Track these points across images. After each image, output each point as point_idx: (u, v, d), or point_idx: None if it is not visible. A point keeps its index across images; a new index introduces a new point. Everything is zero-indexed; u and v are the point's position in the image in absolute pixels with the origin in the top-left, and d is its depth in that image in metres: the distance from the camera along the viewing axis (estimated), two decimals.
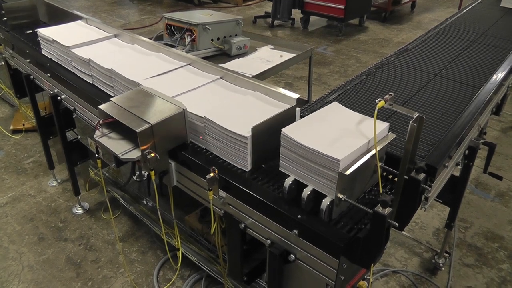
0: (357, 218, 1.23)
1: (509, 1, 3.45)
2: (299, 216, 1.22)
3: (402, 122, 1.62)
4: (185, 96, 1.72)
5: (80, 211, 2.85)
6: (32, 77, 2.56)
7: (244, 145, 1.39)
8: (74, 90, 2.11)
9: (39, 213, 2.85)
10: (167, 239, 2.14)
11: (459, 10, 3.74)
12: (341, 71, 5.20)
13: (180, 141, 1.58)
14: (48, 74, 2.31)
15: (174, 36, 2.61)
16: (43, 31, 2.35)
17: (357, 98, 1.84)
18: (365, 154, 1.22)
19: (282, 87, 1.64)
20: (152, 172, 1.50)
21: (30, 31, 2.73)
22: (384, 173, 1.39)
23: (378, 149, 1.21)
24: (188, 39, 2.50)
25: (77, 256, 2.52)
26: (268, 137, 1.42)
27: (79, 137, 2.30)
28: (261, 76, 2.34)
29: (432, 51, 2.43)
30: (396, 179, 1.29)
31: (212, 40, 2.58)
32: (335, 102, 1.48)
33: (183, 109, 1.52)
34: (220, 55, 2.65)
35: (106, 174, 2.79)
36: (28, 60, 2.56)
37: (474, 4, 3.59)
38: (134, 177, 2.72)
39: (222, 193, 1.45)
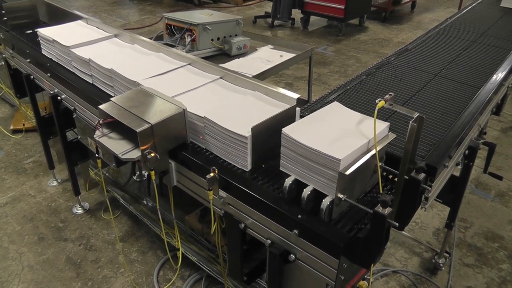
0: (357, 218, 1.23)
1: (509, 1, 3.45)
2: (299, 216, 1.22)
3: (402, 122, 1.62)
4: (185, 96, 1.72)
5: (80, 211, 2.85)
6: (32, 77, 2.56)
7: (244, 145, 1.39)
8: (74, 90, 2.11)
9: (39, 213, 2.85)
10: (167, 239, 2.14)
11: (459, 10, 3.74)
12: (341, 71, 5.20)
13: (180, 141, 1.58)
14: (48, 74, 2.31)
15: (174, 36, 2.61)
16: (43, 31, 2.35)
17: (357, 98, 1.84)
18: (365, 154, 1.22)
19: (282, 87, 1.64)
20: (152, 172, 1.50)
21: (30, 31, 2.73)
22: (384, 173, 1.39)
23: (378, 149, 1.21)
24: (188, 39, 2.50)
25: (77, 256, 2.52)
26: (268, 137, 1.42)
27: (79, 137, 2.30)
28: (261, 76, 2.35)
29: (432, 51, 2.43)
30: (396, 179, 1.29)
31: (212, 40, 2.58)
32: (335, 102, 1.48)
33: (183, 109, 1.52)
34: (220, 55, 2.65)
35: (106, 174, 2.79)
36: (28, 60, 2.56)
37: (474, 4, 3.58)
38: (134, 177, 2.72)
39: (222, 193, 1.45)
